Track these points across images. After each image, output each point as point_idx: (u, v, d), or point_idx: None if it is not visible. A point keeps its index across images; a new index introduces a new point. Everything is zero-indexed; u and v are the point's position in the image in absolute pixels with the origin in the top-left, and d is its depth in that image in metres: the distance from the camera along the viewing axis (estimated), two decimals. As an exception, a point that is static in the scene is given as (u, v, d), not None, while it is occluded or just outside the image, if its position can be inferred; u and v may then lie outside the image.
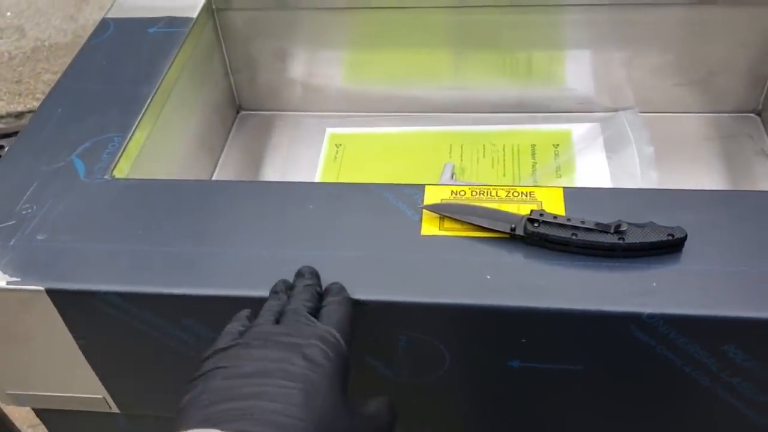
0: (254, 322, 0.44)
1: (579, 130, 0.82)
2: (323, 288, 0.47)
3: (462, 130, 0.84)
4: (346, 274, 0.48)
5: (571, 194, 0.53)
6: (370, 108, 0.88)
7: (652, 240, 0.47)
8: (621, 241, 0.47)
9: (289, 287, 0.47)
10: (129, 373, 0.57)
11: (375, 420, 0.42)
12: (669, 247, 0.47)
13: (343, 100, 0.89)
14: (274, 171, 0.83)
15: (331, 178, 0.79)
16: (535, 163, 0.79)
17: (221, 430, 0.35)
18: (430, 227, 0.51)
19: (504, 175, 0.78)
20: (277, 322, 0.43)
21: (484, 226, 0.50)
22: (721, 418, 0.51)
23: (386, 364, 0.51)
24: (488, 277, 0.47)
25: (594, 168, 0.77)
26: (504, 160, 0.79)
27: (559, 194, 0.52)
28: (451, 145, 0.82)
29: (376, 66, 0.87)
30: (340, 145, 0.83)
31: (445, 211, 0.51)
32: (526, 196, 0.53)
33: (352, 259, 0.49)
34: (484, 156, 0.80)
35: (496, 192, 0.53)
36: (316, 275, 0.47)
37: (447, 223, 0.51)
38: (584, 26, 0.81)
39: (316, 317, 0.43)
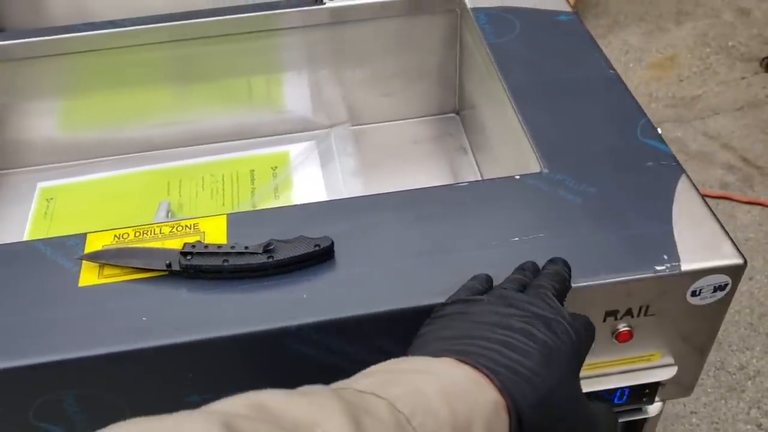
0: (497, 285, 0.45)
1: (296, 150, 0.85)
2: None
3: (181, 165, 0.83)
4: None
5: (235, 220, 0.54)
6: (86, 155, 0.85)
7: (300, 253, 0.49)
8: (270, 260, 0.48)
9: (536, 270, 0.47)
10: None
11: (600, 416, 0.43)
12: (319, 257, 0.50)
13: (57, 151, 0.85)
14: (-20, 237, 0.77)
15: (41, 236, 0.74)
16: (254, 188, 0.80)
17: (465, 361, 0.37)
18: (88, 277, 0.49)
19: (223, 205, 0.78)
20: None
21: (141, 267, 0.49)
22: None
23: (60, 426, 0.49)
24: (144, 318, 0.47)
25: (309, 184, 0.80)
26: (223, 190, 0.80)
27: (223, 222, 0.53)
28: (169, 183, 0.81)
29: (89, 111, 0.84)
30: (52, 198, 0.79)
31: (101, 259, 0.50)
32: (190, 228, 0.53)
33: (3, 323, 0.47)
34: (203, 188, 0.80)
35: (160, 229, 0.53)
36: (569, 267, 0.47)
37: (107, 270, 0.50)
38: (295, 49, 0.83)
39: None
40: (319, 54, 0.84)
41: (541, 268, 0.48)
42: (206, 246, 0.49)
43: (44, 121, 0.84)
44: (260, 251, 0.48)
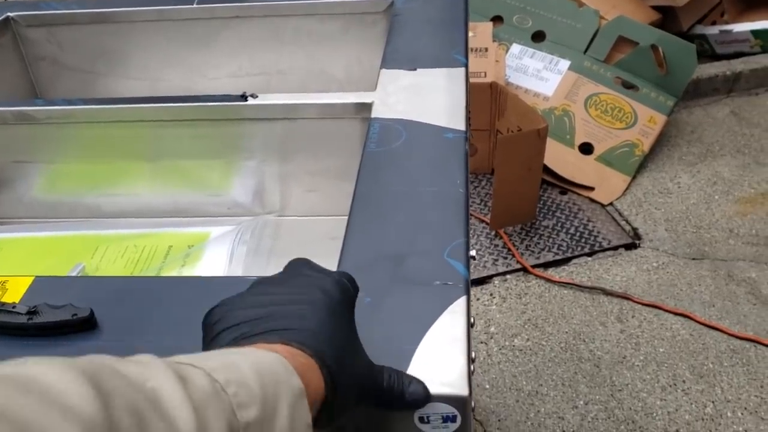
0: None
1: (218, 231, 0.90)
2: None
3: (113, 234, 0.91)
4: None
5: (41, 283, 0.59)
6: (45, 215, 0.96)
7: (57, 319, 0.53)
8: (29, 321, 0.53)
9: None
10: None
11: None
12: (77, 326, 0.54)
13: (23, 207, 0.97)
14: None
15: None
16: (164, 262, 0.86)
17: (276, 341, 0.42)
18: None
19: (131, 273, 0.85)
20: None
21: (-66, 310, 0.56)
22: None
23: None
24: None
25: (213, 262, 0.85)
26: (138, 261, 0.86)
27: (27, 283, 0.59)
28: (97, 247, 0.89)
29: (53, 177, 0.96)
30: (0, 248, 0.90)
31: None
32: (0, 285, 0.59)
33: None
34: (122, 257, 0.87)
35: (-24, 282, 0.59)
36: None
37: None
38: (228, 139, 0.90)
39: None
40: (249, 146, 0.90)
41: None
42: (-16, 300, 0.54)
43: (19, 182, 0.96)
44: (24, 312, 0.53)
